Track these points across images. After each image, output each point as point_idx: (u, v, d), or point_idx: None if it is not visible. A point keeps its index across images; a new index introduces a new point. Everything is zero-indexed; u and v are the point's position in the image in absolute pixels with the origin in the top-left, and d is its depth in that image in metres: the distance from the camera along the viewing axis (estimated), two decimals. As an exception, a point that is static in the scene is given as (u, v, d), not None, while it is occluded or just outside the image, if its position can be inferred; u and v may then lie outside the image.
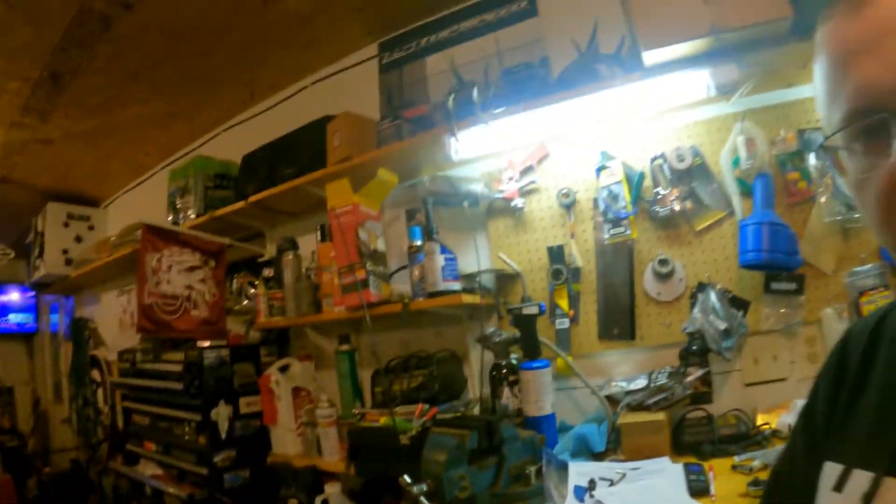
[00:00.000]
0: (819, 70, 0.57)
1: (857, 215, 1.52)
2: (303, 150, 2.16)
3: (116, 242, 3.26)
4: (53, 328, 4.92)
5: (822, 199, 1.56)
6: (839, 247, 1.54)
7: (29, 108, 2.79)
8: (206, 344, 2.25)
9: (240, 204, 2.30)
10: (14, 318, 5.24)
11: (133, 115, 2.92)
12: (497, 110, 1.66)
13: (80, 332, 4.02)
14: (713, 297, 1.60)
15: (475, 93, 1.69)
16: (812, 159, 1.59)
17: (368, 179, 1.87)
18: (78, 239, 3.86)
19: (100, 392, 3.84)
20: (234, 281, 2.58)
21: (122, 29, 2.19)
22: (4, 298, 5.22)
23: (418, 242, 1.80)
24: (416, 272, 1.79)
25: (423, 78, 2.16)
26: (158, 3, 2.06)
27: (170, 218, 2.74)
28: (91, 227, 3.93)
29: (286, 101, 2.63)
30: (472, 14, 2.10)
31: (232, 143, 2.83)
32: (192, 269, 2.39)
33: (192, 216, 2.59)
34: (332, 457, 1.90)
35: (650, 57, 1.47)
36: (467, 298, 1.71)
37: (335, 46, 2.39)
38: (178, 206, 2.70)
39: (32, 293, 5.14)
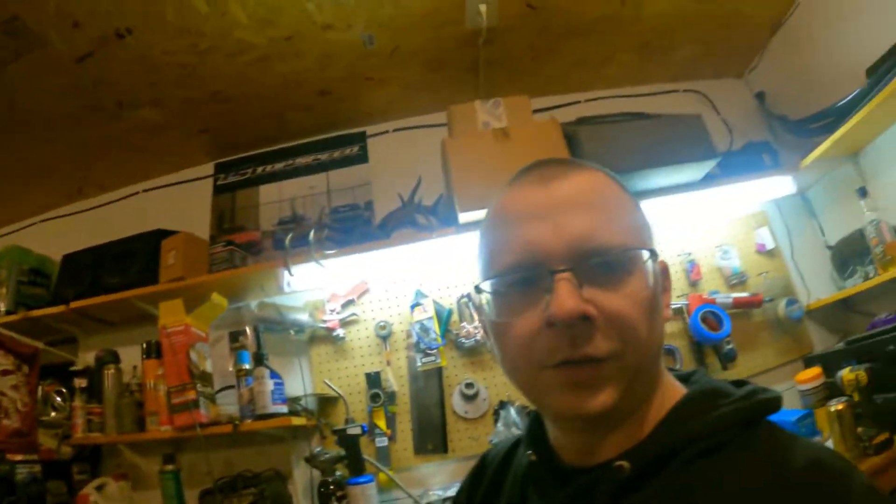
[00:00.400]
0: (491, 223, 0.66)
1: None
2: (131, 261, 2.21)
3: None
4: None
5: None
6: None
7: None
8: (19, 458, 2.10)
9: (60, 307, 2.24)
10: None
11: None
12: (330, 252, 1.91)
13: None
14: (513, 412, 1.94)
15: (311, 234, 1.92)
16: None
17: (199, 300, 2.00)
18: None
19: None
20: (40, 389, 2.39)
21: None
22: None
23: (247, 366, 1.95)
24: (245, 394, 1.94)
25: (255, 205, 2.35)
26: (17, 81, 2.01)
27: None
28: None
29: (115, 204, 2.67)
30: (308, 151, 2.35)
31: (49, 237, 2.73)
32: (4, 373, 2.25)
33: (3, 310, 2.43)
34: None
35: (465, 216, 1.82)
36: (296, 421, 1.91)
37: (174, 159, 2.52)
38: None
39: None
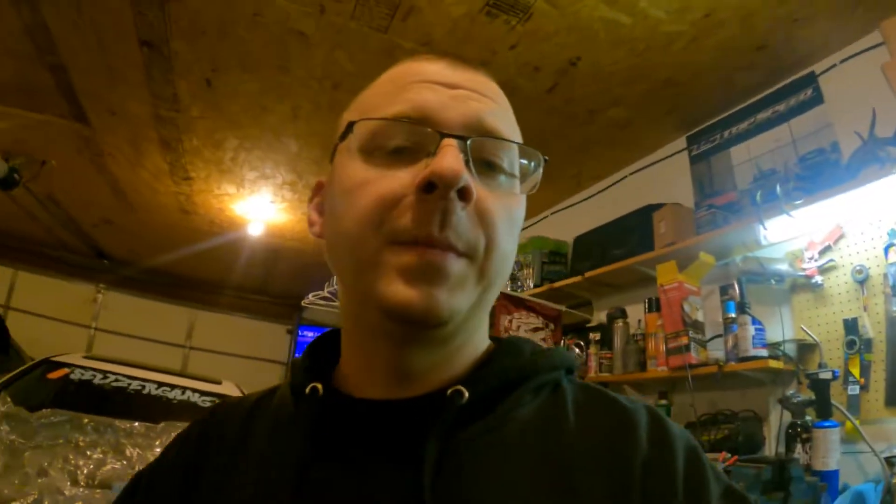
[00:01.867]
0: (377, 84, 0.68)
1: None
2: (630, 234, 3.08)
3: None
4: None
5: None
6: None
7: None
8: None
9: (577, 278, 3.31)
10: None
11: (477, 202, 4.36)
12: (797, 202, 2.33)
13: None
14: None
15: (778, 188, 2.38)
16: None
17: (688, 260, 2.67)
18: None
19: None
20: (563, 342, 3.54)
21: (473, 139, 3.47)
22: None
23: (733, 315, 2.52)
24: (730, 340, 2.51)
25: (729, 167, 2.91)
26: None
27: (509, 286, 3.83)
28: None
29: (608, 189, 3.66)
30: (765, 106, 2.80)
31: (560, 225, 3.96)
32: (535, 329, 3.42)
33: (531, 286, 3.69)
34: (646, 500, 2.74)
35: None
36: (772, 364, 2.37)
37: (649, 142, 3.33)
38: (517, 277, 3.84)
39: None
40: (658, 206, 3.05)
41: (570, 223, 3.89)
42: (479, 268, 0.59)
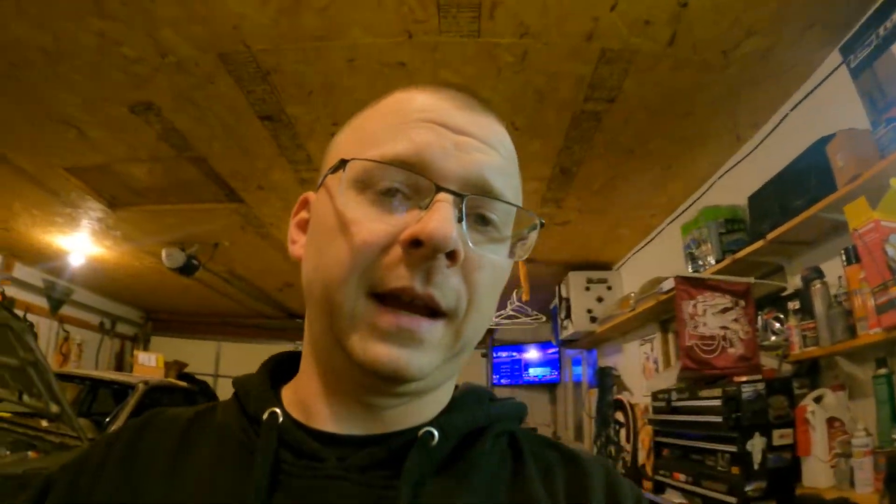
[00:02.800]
0: (386, 108, 0.66)
1: None
2: (806, 178, 2.71)
3: (638, 297, 4.37)
4: (576, 378, 6.88)
5: None
6: None
7: (546, 200, 4.26)
8: (744, 379, 2.84)
9: (758, 243, 2.96)
10: (533, 371, 8.36)
11: (633, 184, 4.05)
12: None
13: (605, 379, 5.46)
14: None
15: None
16: None
17: (880, 191, 2.26)
18: (599, 299, 5.52)
19: (622, 432, 5.02)
20: (759, 318, 3.21)
21: (611, 119, 3.23)
22: (526, 356, 8.30)
23: None
24: None
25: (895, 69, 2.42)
26: (634, 89, 2.97)
27: (689, 267, 3.60)
28: (609, 288, 5.51)
29: (772, 135, 3.27)
30: None
31: (730, 187, 3.61)
32: (724, 310, 3.14)
33: (712, 262, 3.40)
34: (866, 489, 2.23)
35: None
36: None
37: (800, 68, 2.93)
38: (696, 256, 3.58)
39: (554, 350, 7.43)
40: (830, 138, 2.63)
41: (742, 183, 3.50)
42: (457, 328, 0.60)
